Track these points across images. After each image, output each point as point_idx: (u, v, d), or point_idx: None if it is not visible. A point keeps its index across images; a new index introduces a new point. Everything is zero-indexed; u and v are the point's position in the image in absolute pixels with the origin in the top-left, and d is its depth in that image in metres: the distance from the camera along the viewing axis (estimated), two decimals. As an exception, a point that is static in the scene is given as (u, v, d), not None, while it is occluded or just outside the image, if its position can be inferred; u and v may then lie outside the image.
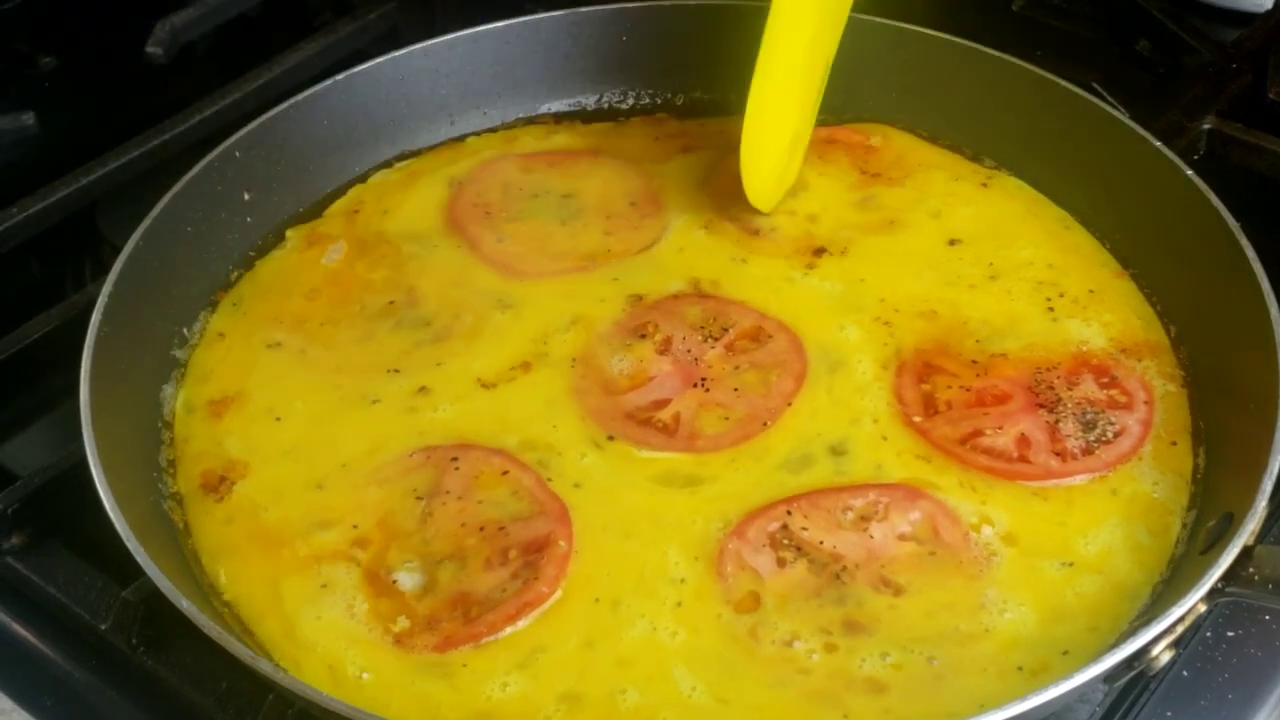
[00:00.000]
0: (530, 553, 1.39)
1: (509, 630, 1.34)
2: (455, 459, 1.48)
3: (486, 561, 1.39)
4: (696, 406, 1.53)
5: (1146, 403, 1.52)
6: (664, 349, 1.59)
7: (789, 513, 1.40)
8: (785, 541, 1.38)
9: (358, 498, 1.46)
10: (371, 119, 1.86)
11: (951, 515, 1.41)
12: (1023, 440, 1.48)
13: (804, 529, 1.39)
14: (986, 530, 1.41)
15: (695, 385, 1.55)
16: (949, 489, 1.44)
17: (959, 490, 1.44)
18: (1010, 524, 1.41)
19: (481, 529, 1.42)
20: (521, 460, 1.48)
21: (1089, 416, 1.50)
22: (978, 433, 1.49)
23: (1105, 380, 1.54)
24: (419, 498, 1.45)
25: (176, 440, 1.54)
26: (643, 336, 1.61)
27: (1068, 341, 1.59)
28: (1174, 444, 1.49)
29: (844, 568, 1.37)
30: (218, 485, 1.49)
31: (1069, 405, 1.51)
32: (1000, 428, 1.49)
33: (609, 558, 1.39)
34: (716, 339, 1.60)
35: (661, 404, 1.54)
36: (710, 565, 1.37)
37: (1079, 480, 1.45)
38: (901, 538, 1.40)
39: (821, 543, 1.38)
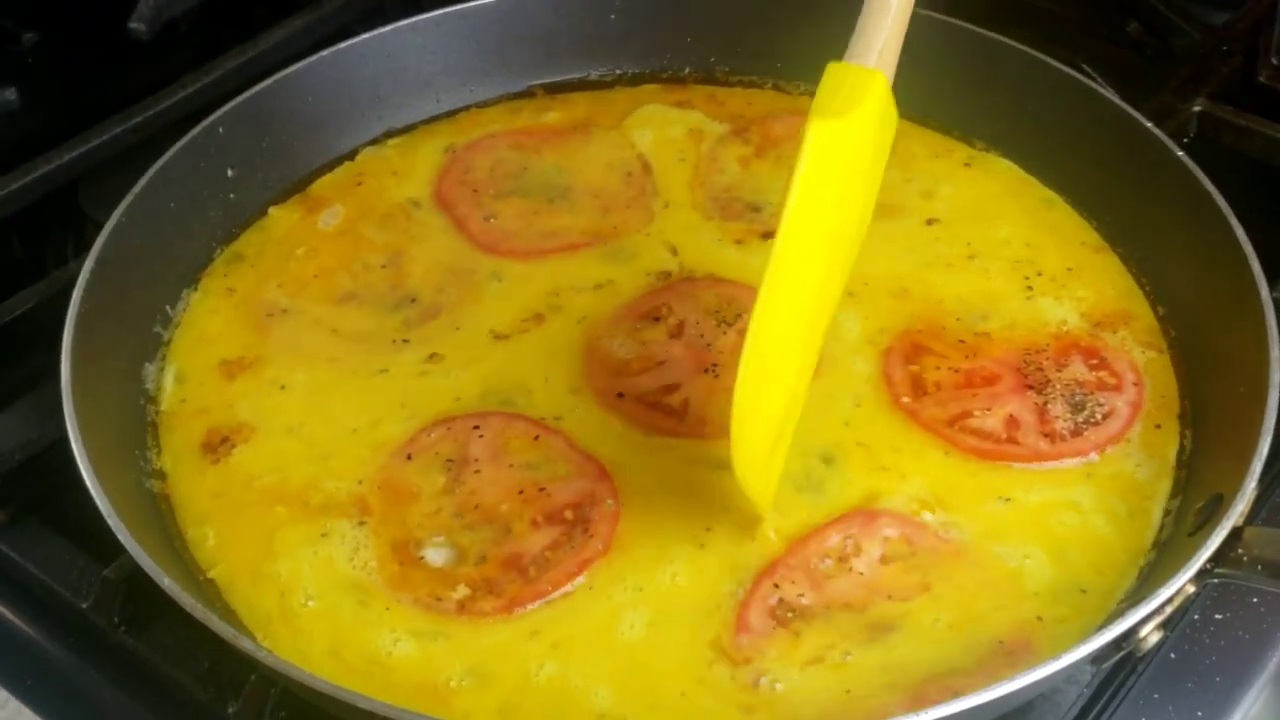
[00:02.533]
0: (578, 510, 1.40)
1: (570, 586, 1.35)
2: (477, 427, 1.48)
3: (533, 522, 1.39)
4: (706, 392, 1.52)
5: (1135, 384, 1.52)
6: (677, 333, 1.58)
7: (776, 585, 1.35)
8: (790, 614, 1.33)
9: (370, 471, 1.46)
10: (357, 95, 1.84)
11: (914, 523, 1.40)
12: (1011, 421, 1.48)
13: (800, 595, 1.35)
14: (942, 518, 1.41)
15: (706, 370, 1.54)
16: (907, 493, 1.43)
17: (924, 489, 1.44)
18: (966, 509, 1.42)
19: (520, 492, 1.42)
20: (544, 423, 1.48)
21: (1078, 398, 1.50)
22: (966, 414, 1.48)
23: (1094, 362, 1.54)
24: (445, 471, 1.45)
25: (167, 404, 1.54)
26: (656, 320, 1.60)
27: (1046, 322, 1.59)
28: (1158, 427, 1.49)
29: (856, 610, 1.34)
30: (218, 445, 1.49)
31: (1058, 386, 1.51)
32: (989, 409, 1.49)
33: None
34: (730, 324, 1.59)
35: (671, 388, 1.53)
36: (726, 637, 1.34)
37: (1067, 464, 1.45)
38: (884, 561, 1.38)
39: (822, 600, 1.35)
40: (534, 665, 1.29)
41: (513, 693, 1.28)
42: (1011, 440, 1.46)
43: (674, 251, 1.69)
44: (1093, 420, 1.48)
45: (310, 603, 1.35)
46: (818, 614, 1.33)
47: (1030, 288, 1.63)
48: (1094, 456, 1.46)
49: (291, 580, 1.37)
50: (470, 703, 1.28)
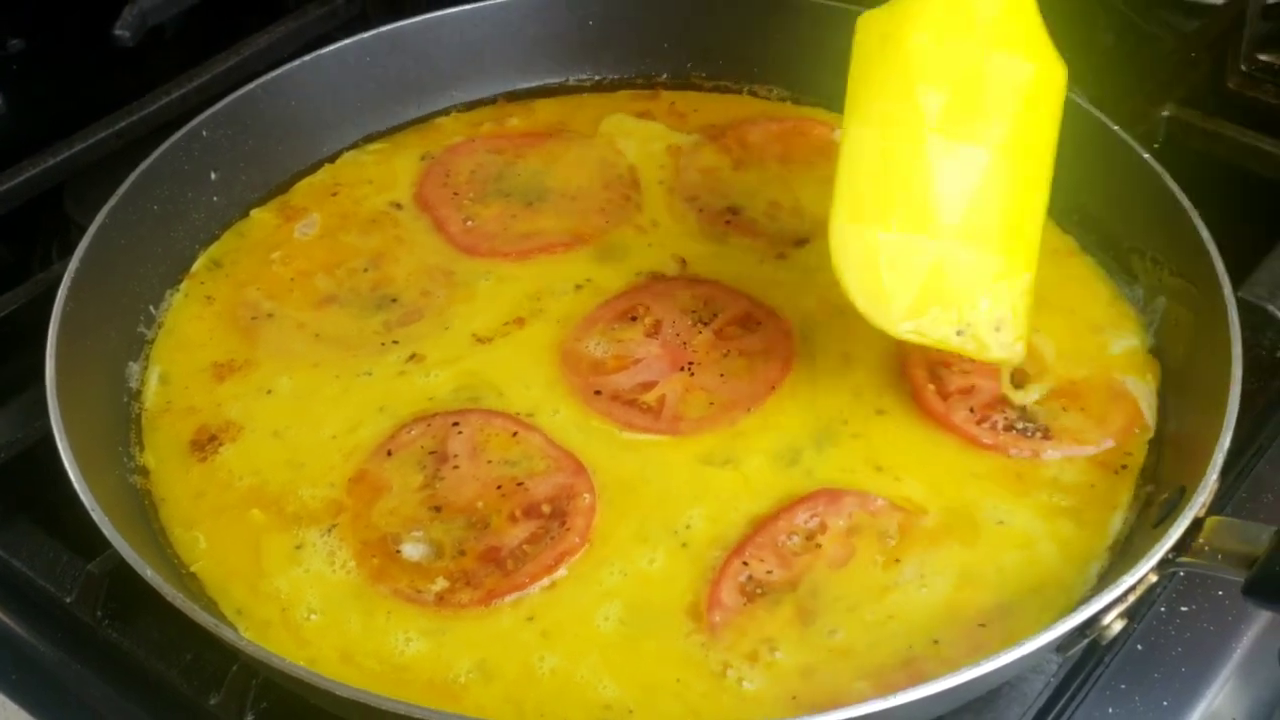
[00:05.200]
0: (555, 504, 1.43)
1: (548, 580, 1.37)
2: (456, 424, 1.50)
3: (510, 517, 1.42)
4: (682, 390, 1.55)
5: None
6: (654, 332, 1.61)
7: (745, 563, 1.38)
8: (759, 590, 1.36)
9: (344, 474, 1.48)
10: (338, 100, 1.87)
11: (876, 501, 1.43)
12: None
13: (769, 572, 1.38)
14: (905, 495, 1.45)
15: (682, 369, 1.57)
16: (863, 479, 1.46)
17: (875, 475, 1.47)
18: (941, 497, 1.45)
19: (499, 487, 1.44)
20: (523, 420, 1.51)
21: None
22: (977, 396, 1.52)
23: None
24: (424, 467, 1.47)
25: (151, 402, 1.56)
26: (633, 319, 1.62)
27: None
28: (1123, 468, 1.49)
29: (819, 588, 1.37)
30: (206, 444, 1.51)
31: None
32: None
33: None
34: (706, 324, 1.61)
35: (648, 386, 1.55)
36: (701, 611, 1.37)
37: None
38: (849, 538, 1.40)
39: (790, 577, 1.37)
40: (535, 657, 1.32)
41: (515, 685, 1.30)
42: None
43: (652, 254, 1.71)
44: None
45: (314, 617, 1.37)
46: (786, 591, 1.36)
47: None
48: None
49: (290, 596, 1.38)
50: (480, 695, 1.30)
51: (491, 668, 1.31)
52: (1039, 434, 1.49)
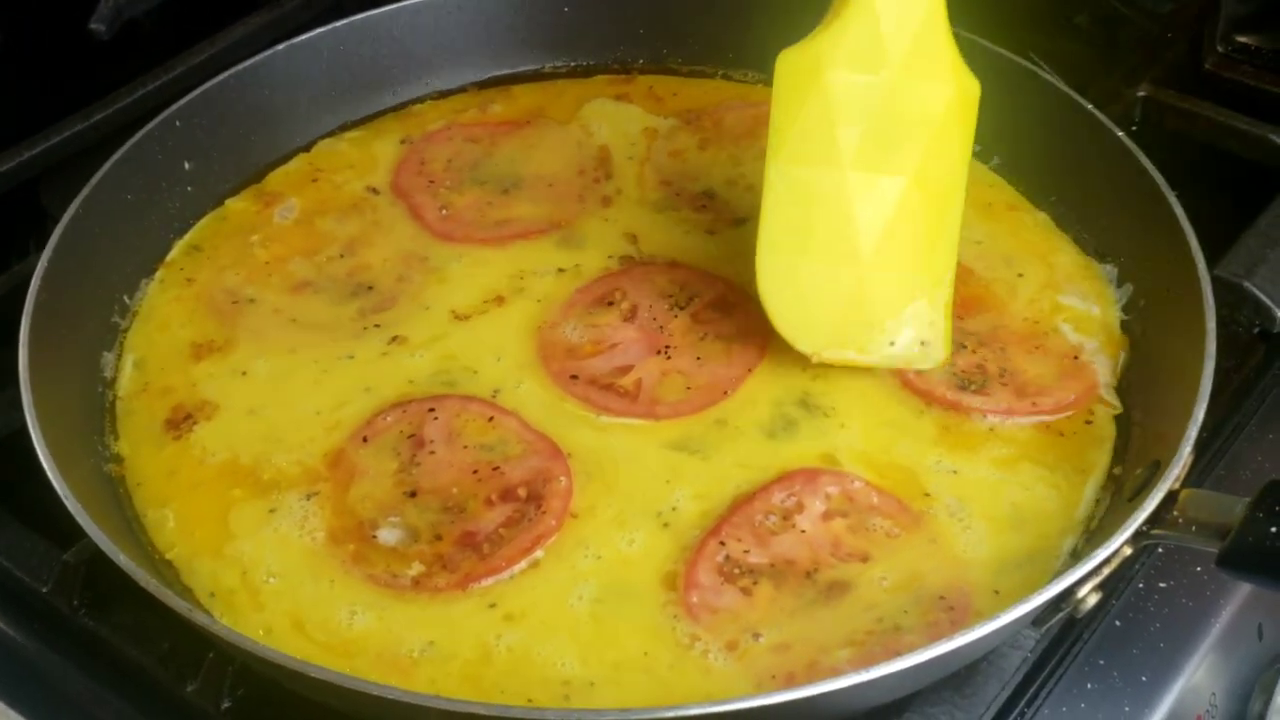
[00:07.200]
0: (532, 488, 1.43)
1: (524, 563, 1.37)
2: (432, 410, 1.50)
3: (487, 501, 1.42)
4: (659, 374, 1.55)
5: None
6: (630, 316, 1.61)
7: (723, 543, 1.38)
8: (736, 571, 1.36)
9: (328, 454, 1.48)
10: (313, 89, 1.86)
11: (852, 480, 1.44)
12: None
13: (746, 551, 1.38)
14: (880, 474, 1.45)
15: (658, 353, 1.57)
16: (841, 458, 1.47)
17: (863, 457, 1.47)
18: (917, 475, 1.46)
19: (475, 472, 1.44)
20: (499, 404, 1.51)
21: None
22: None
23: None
24: (400, 453, 1.47)
25: (126, 389, 1.56)
26: (609, 304, 1.62)
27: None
28: (1089, 422, 1.51)
29: (803, 569, 1.37)
30: (181, 422, 1.51)
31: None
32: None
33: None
34: (682, 307, 1.62)
35: (624, 370, 1.55)
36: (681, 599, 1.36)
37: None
38: (827, 517, 1.41)
39: (768, 556, 1.38)
40: (492, 636, 1.31)
41: (474, 664, 1.30)
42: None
43: (628, 238, 1.72)
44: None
45: (272, 580, 1.37)
46: (764, 571, 1.36)
47: (980, 243, 1.69)
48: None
49: (252, 558, 1.39)
50: (434, 672, 1.30)
51: (446, 646, 1.32)
52: (1004, 405, 1.51)
